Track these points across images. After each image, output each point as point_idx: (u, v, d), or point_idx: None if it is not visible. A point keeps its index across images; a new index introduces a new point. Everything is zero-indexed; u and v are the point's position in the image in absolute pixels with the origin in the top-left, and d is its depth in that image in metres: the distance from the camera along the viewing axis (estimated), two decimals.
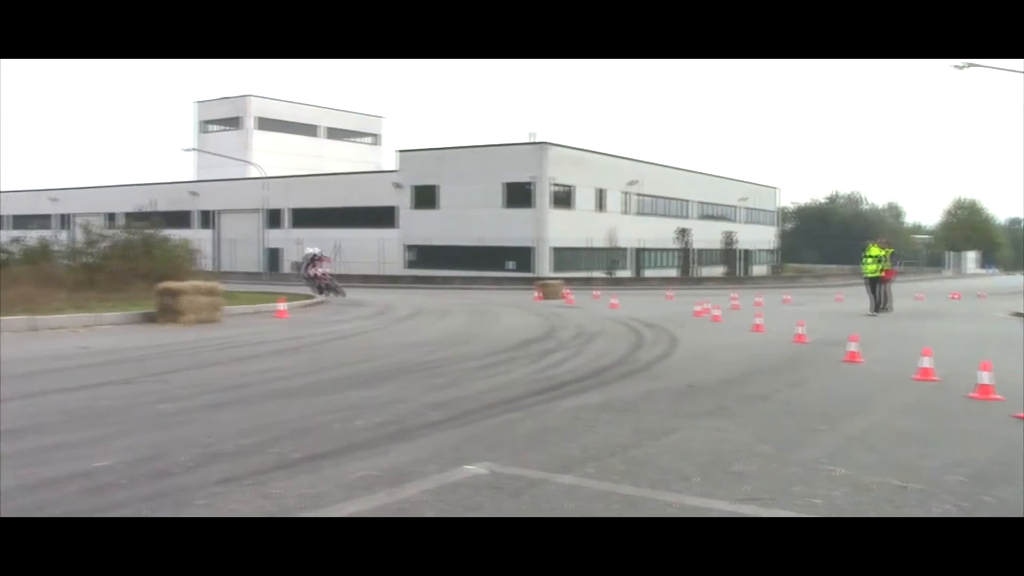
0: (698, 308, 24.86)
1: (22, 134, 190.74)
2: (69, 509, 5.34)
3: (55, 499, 5.56)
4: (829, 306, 29.72)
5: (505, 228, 52.68)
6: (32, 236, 34.58)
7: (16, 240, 31.13)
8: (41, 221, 73.86)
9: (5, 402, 9.08)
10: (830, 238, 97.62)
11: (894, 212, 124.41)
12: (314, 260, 34.69)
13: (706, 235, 65.32)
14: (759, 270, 73.59)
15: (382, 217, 57.80)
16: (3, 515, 5.19)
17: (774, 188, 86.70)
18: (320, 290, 33.02)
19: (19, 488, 5.78)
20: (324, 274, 34.08)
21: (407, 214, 57.35)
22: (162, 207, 58.10)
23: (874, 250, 25.43)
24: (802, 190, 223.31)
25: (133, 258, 26.58)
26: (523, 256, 52.90)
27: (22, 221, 75.12)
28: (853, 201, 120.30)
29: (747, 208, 78.35)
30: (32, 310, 18.18)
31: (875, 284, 25.25)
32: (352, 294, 33.26)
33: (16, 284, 22.30)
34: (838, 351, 14.32)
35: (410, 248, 56.85)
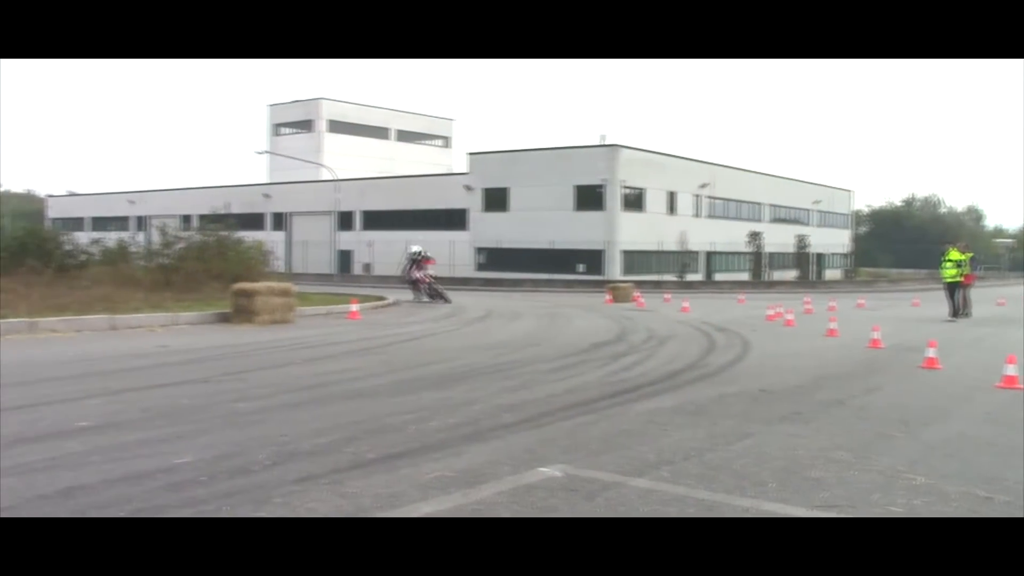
0: (770, 312, 24.61)
1: (102, 137, 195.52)
2: (151, 504, 5.46)
3: (138, 493, 5.69)
4: (905, 311, 29.17)
5: (575, 231, 52.66)
6: (110, 237, 35.35)
7: (96, 241, 31.86)
8: (119, 223, 75.68)
9: (89, 399, 9.34)
10: (906, 242, 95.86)
11: (974, 215, 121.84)
12: (417, 260, 31.59)
13: (778, 238, 64.58)
14: (832, 274, 72.50)
15: (453, 219, 58.14)
16: (91, 508, 5.34)
17: (848, 191, 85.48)
18: (429, 295, 30.60)
19: (103, 482, 5.93)
20: (427, 276, 31.30)
21: (477, 216, 57.61)
22: (236, 209, 59.05)
23: (953, 254, 24.90)
24: (877, 193, 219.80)
25: (208, 259, 27.08)
26: (593, 259, 52.83)
27: (101, 223, 77.05)
28: (931, 204, 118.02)
29: (820, 211, 77.31)
30: (112, 309, 18.61)
31: (954, 289, 24.72)
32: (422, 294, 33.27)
33: (96, 284, 22.88)
34: (915, 357, 14.07)
35: (480, 250, 57.10)
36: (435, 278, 31.75)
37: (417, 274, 31.26)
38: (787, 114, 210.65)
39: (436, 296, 30.46)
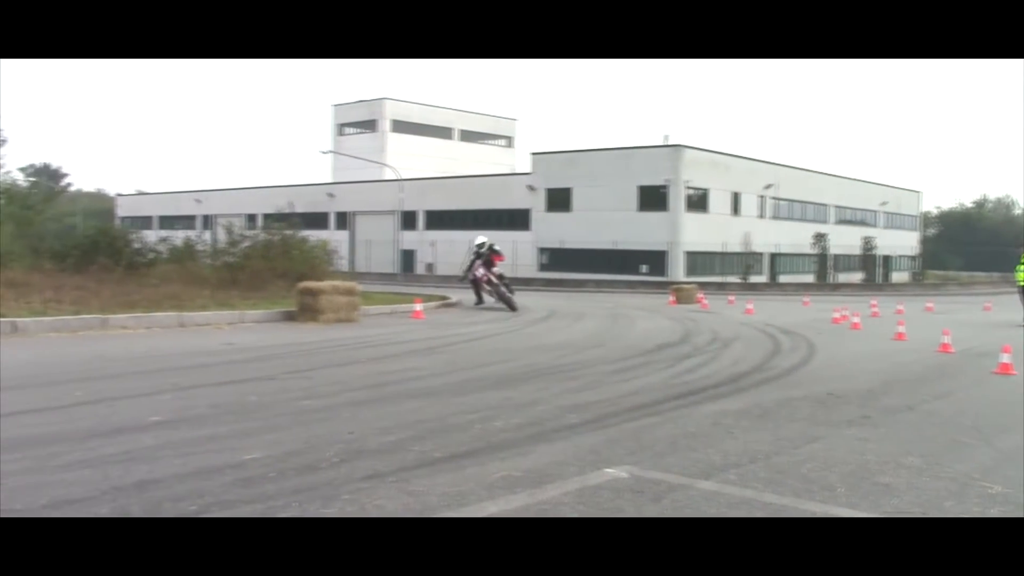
0: (836, 315, 24.28)
1: (170, 138, 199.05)
2: (222, 499, 5.54)
3: (209, 488, 5.77)
4: (976, 315, 28.58)
5: (638, 231, 52.48)
6: (178, 236, 35.93)
7: (163, 240, 32.42)
8: (186, 221, 76.98)
9: (161, 394, 9.51)
10: (977, 244, 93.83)
11: None
12: (483, 255, 27.42)
13: (844, 240, 63.76)
14: (899, 277, 71.36)
15: (515, 219, 58.26)
16: (164, 501, 5.44)
17: (916, 192, 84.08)
18: (497, 298, 26.66)
19: (175, 476, 6.04)
20: (493, 275, 26.91)
21: (540, 216, 57.65)
22: (300, 208, 59.75)
23: None
24: (947, 194, 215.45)
25: (272, 258, 27.42)
26: (656, 260, 52.60)
27: (168, 221, 78.51)
28: (1004, 206, 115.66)
29: (887, 212, 76.17)
30: (179, 307, 18.93)
31: None
32: (486, 296, 33.08)
33: (164, 282, 23.30)
34: (988, 362, 13.79)
35: (543, 251, 57.14)
36: (503, 278, 27.23)
37: (480, 271, 27.03)
38: (855, 115, 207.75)
39: (504, 300, 26.25)
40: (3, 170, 36.64)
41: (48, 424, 7.74)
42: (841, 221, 68.72)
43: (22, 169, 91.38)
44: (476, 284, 27.47)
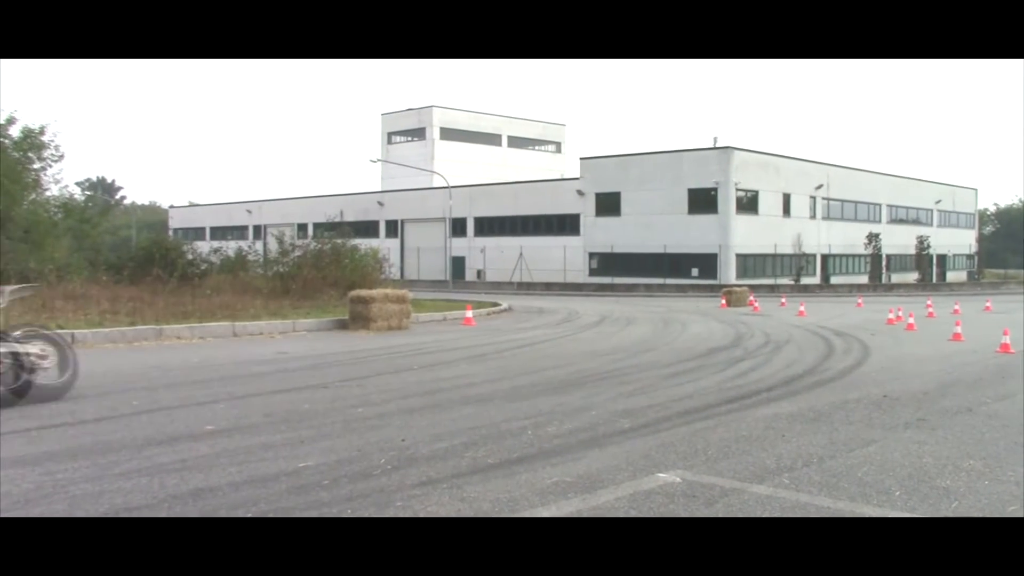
0: (891, 316, 23.97)
1: (222, 150, 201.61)
2: (277, 506, 5.59)
3: (264, 495, 5.83)
4: None
5: (688, 235, 52.22)
6: (229, 246, 36.33)
7: (216, 251, 32.82)
8: (237, 232, 77.91)
9: (215, 403, 9.63)
10: None
11: None
12: None
13: (897, 240, 62.95)
14: (955, 276, 70.26)
15: (565, 225, 58.22)
16: (220, 509, 5.50)
17: (973, 189, 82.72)
18: None
19: (230, 484, 6.11)
20: None
21: (590, 221, 57.56)
22: (349, 217, 60.17)
23: None
24: (1005, 191, 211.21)
25: (324, 267, 27.69)
26: (707, 263, 52.26)
27: (220, 232, 79.50)
28: None
29: (942, 211, 75.01)
30: (232, 316, 19.17)
31: None
32: (535, 302, 33.19)
33: (217, 292, 23.59)
34: None
35: (593, 256, 57.04)
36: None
37: None
38: (908, 112, 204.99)
39: None
40: (61, 184, 37.35)
41: (107, 433, 7.88)
42: (894, 220, 67.82)
43: (79, 183, 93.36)
44: None
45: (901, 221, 68.76)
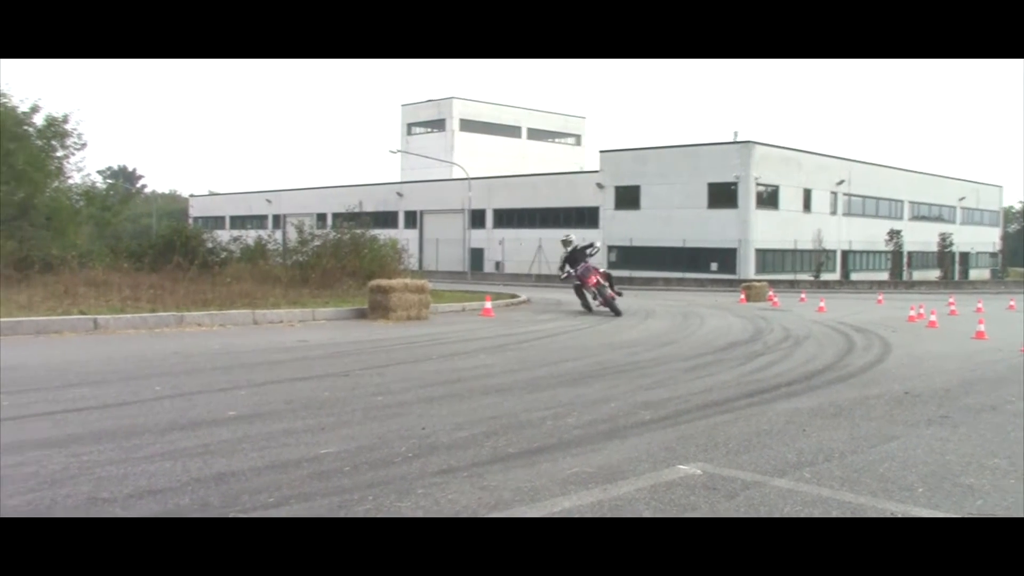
0: (912, 313, 23.83)
1: (241, 139, 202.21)
2: (298, 491, 5.61)
3: (285, 481, 5.86)
4: None
5: (708, 229, 52.06)
6: (249, 235, 36.44)
7: (235, 239, 32.92)
8: (257, 221, 78.05)
9: (237, 389, 9.69)
10: None
11: None
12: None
13: (919, 236, 62.58)
14: (978, 274, 69.77)
15: (584, 217, 58.12)
16: (243, 493, 5.53)
17: (997, 186, 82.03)
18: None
19: (252, 469, 6.14)
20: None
21: (609, 215, 57.46)
22: (369, 207, 60.22)
23: None
24: None
25: (342, 257, 27.74)
26: (726, 257, 52.10)
27: (239, 221, 79.72)
28: None
29: (965, 208, 74.47)
30: (252, 305, 19.24)
31: None
32: (554, 294, 33.21)
33: (237, 280, 23.68)
34: None
35: (611, 249, 56.90)
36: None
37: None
38: (932, 108, 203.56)
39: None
40: (83, 172, 37.52)
41: (131, 417, 7.94)
42: (916, 217, 67.42)
43: (100, 171, 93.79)
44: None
45: (923, 218, 68.35)
